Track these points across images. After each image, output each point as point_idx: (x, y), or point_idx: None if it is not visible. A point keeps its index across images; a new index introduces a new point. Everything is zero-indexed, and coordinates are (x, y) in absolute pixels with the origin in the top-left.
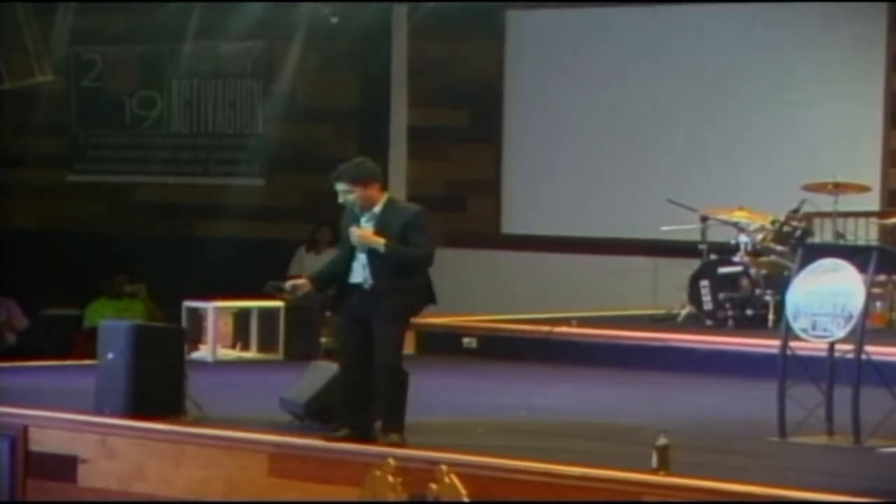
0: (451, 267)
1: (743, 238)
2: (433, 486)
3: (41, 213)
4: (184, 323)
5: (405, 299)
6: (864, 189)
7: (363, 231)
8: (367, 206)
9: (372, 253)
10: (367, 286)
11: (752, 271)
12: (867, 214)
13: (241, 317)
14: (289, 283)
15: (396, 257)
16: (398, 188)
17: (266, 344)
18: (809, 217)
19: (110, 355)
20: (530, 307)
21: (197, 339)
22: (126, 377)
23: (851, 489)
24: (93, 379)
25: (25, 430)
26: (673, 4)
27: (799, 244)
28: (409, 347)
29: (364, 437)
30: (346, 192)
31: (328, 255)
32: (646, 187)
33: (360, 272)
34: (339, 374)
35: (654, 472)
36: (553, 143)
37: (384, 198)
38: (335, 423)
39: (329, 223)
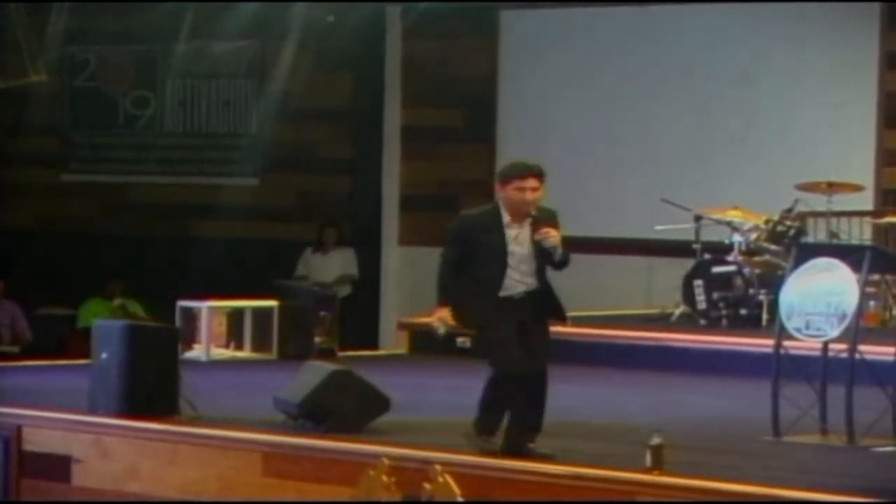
0: None
1: (737, 237)
2: (427, 485)
3: (35, 212)
4: (177, 323)
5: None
6: (857, 188)
7: (555, 232)
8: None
9: (542, 258)
10: (529, 293)
11: (746, 271)
12: (861, 214)
13: (235, 316)
14: (437, 326)
15: (564, 259)
16: (392, 188)
17: (260, 343)
18: (803, 216)
19: (104, 355)
20: None
21: (191, 338)
22: (120, 377)
23: (845, 489)
24: (86, 379)
25: (19, 429)
26: (666, 4)
27: (793, 243)
28: (402, 347)
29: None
30: (534, 189)
31: (334, 256)
32: (640, 187)
33: (520, 282)
34: (525, 384)
35: (648, 471)
36: (547, 143)
37: None
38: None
39: (333, 224)
